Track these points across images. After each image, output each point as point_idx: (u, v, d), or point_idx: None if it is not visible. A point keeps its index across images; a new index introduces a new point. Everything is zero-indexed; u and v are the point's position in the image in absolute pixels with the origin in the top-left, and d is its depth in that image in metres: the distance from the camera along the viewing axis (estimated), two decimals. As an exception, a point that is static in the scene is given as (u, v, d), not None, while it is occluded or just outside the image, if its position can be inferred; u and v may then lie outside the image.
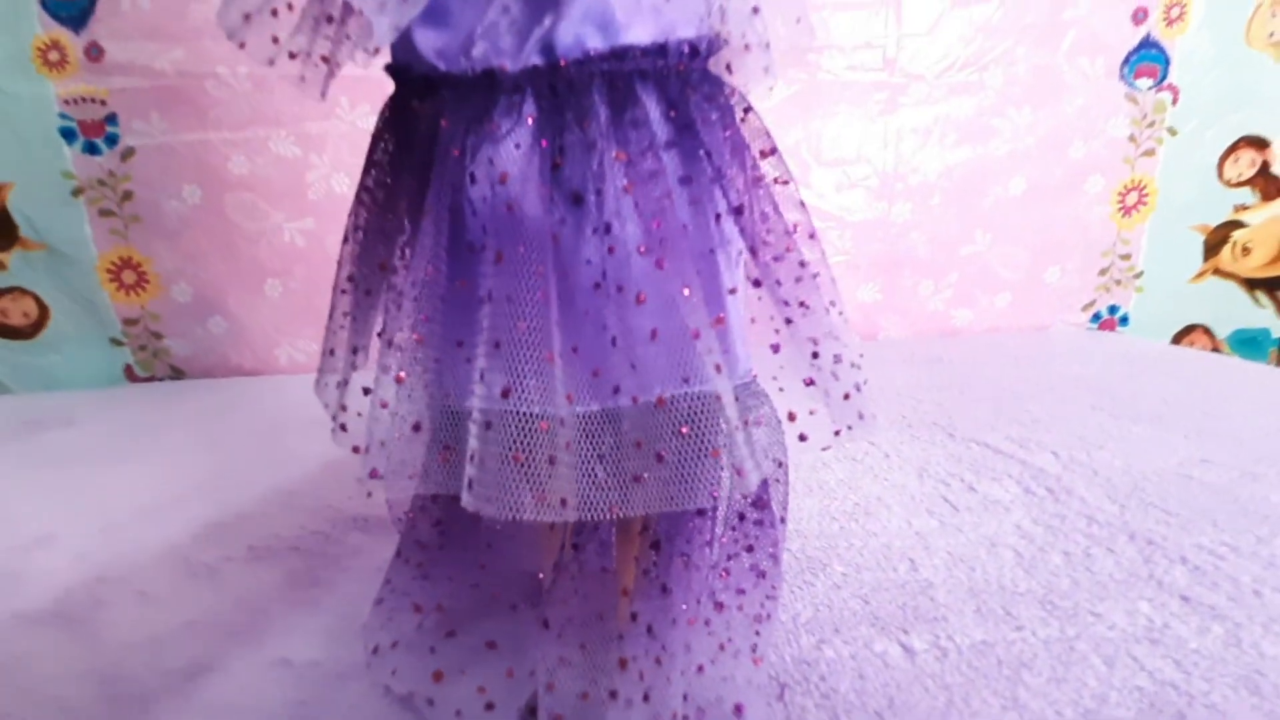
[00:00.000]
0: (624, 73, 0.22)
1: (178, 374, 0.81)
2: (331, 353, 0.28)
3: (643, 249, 0.21)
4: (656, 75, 0.23)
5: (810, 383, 0.25)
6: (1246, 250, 0.84)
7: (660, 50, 0.22)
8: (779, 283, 0.25)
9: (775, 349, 0.26)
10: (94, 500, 0.46)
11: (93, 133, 0.73)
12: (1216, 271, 0.84)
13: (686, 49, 0.23)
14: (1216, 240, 0.83)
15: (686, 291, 0.21)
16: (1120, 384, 0.61)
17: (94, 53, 0.72)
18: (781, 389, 0.26)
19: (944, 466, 0.45)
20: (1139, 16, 0.75)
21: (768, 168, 0.26)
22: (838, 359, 0.26)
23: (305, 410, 0.64)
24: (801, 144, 0.77)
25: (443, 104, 0.22)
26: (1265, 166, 0.81)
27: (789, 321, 0.25)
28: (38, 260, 0.76)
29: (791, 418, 0.25)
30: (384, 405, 0.22)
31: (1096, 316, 0.85)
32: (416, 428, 0.22)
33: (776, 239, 0.25)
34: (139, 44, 0.71)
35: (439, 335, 0.22)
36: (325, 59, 0.27)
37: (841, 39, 0.74)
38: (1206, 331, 0.87)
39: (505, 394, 0.20)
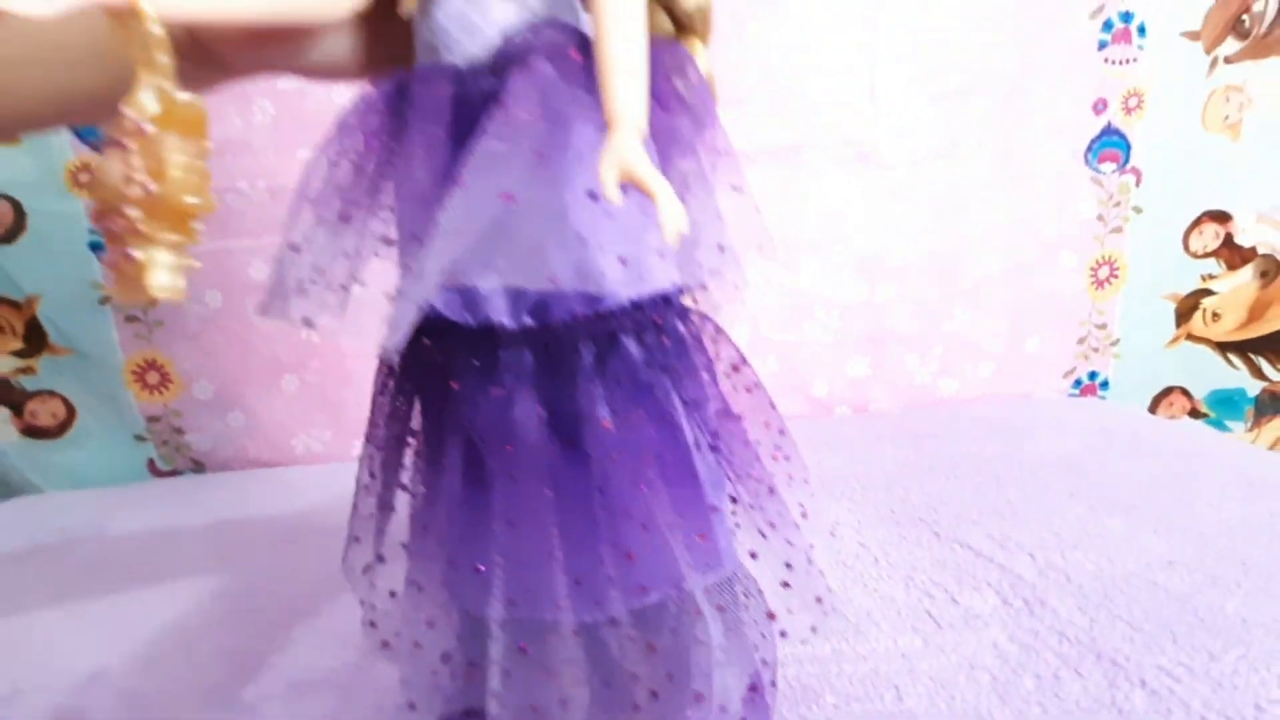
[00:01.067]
0: (608, 330, 0.25)
1: (198, 466, 0.85)
2: (357, 540, 0.30)
3: (629, 512, 0.24)
4: (635, 328, 0.26)
5: (786, 585, 0.29)
6: (1217, 316, 0.88)
7: (638, 306, 0.26)
8: (752, 505, 0.28)
9: (753, 555, 0.29)
10: (134, 627, 0.49)
11: (119, 245, 0.78)
12: (1190, 337, 0.88)
13: (661, 300, 0.26)
14: (1187, 308, 0.88)
15: (669, 540, 0.24)
16: (1097, 465, 0.64)
17: (121, 173, 0.77)
18: (761, 591, 0.29)
19: (929, 574, 0.48)
20: (1099, 107, 0.80)
21: (739, 379, 0.29)
22: (810, 561, 0.29)
23: (320, 505, 0.67)
24: (786, 231, 0.81)
25: (451, 352, 0.25)
26: (1229, 238, 0.85)
27: (763, 535, 0.28)
28: (65, 364, 0.80)
29: (772, 616, 0.29)
30: (418, 645, 0.26)
31: (1078, 383, 0.89)
32: (445, 658, 0.25)
33: (749, 464, 0.28)
34: (163, 163, 0.76)
35: (460, 573, 0.25)
36: (344, 286, 0.29)
37: (820, 133, 0.79)
38: (1185, 393, 0.90)
39: (523, 650, 0.24)
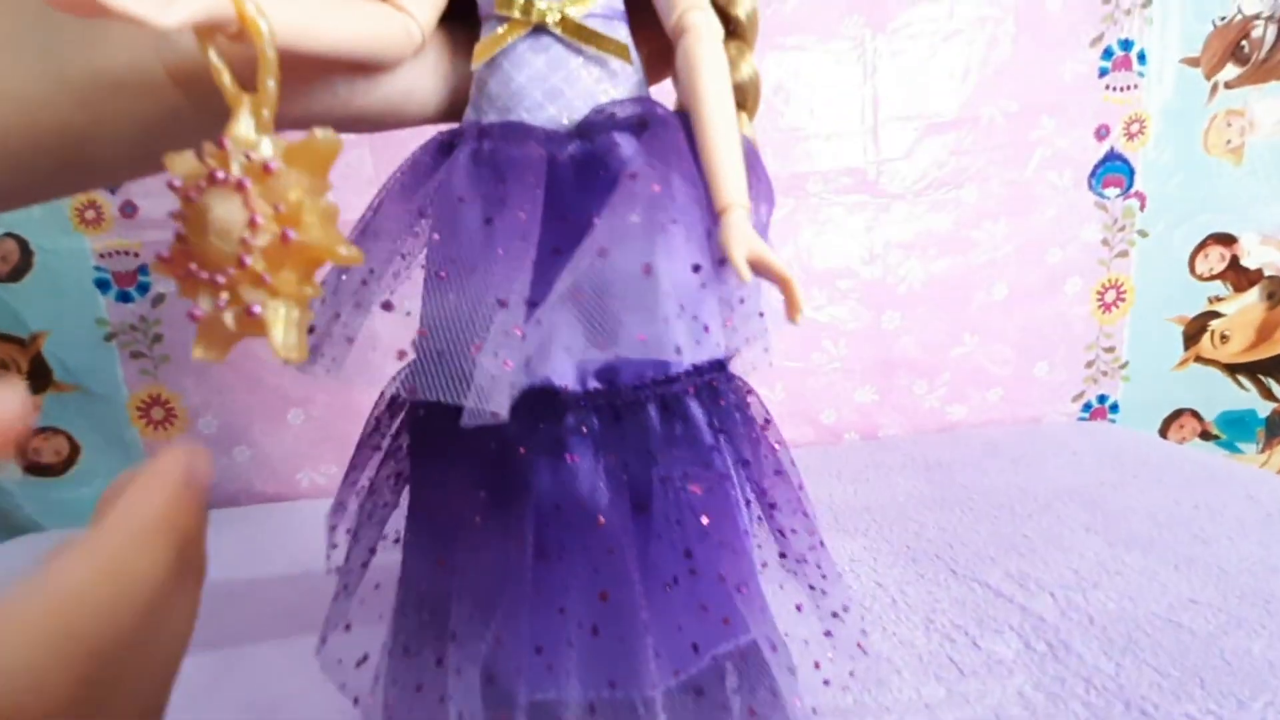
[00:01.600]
0: (673, 393, 0.25)
1: (203, 502, 0.84)
2: (347, 628, 0.28)
3: (723, 575, 0.24)
4: (696, 391, 0.26)
5: (829, 634, 0.28)
6: (1225, 338, 0.87)
7: (698, 370, 0.26)
8: (801, 559, 0.28)
9: (799, 608, 0.29)
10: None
11: (126, 282, 0.78)
12: (1198, 359, 0.88)
13: (716, 364, 0.27)
14: (1195, 330, 0.87)
15: (738, 598, 0.24)
16: (1112, 497, 0.64)
17: (128, 210, 0.77)
18: (807, 641, 0.29)
19: (949, 615, 0.47)
20: (1101, 133, 0.80)
21: (770, 434, 0.29)
22: (845, 609, 0.28)
23: (323, 541, 0.67)
24: (794, 260, 0.81)
25: (514, 419, 0.23)
26: (1234, 260, 0.85)
27: (811, 588, 0.28)
28: (70, 401, 0.80)
29: (817, 665, 0.28)
30: None
31: (1088, 406, 0.88)
32: None
33: (797, 519, 0.28)
34: (171, 199, 0.76)
35: (524, 654, 0.23)
36: (351, 339, 0.27)
37: (825, 165, 0.79)
38: (1195, 415, 0.90)
39: None
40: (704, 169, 0.24)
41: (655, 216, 0.23)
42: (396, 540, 0.29)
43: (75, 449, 0.81)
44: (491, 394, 0.21)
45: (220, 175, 0.18)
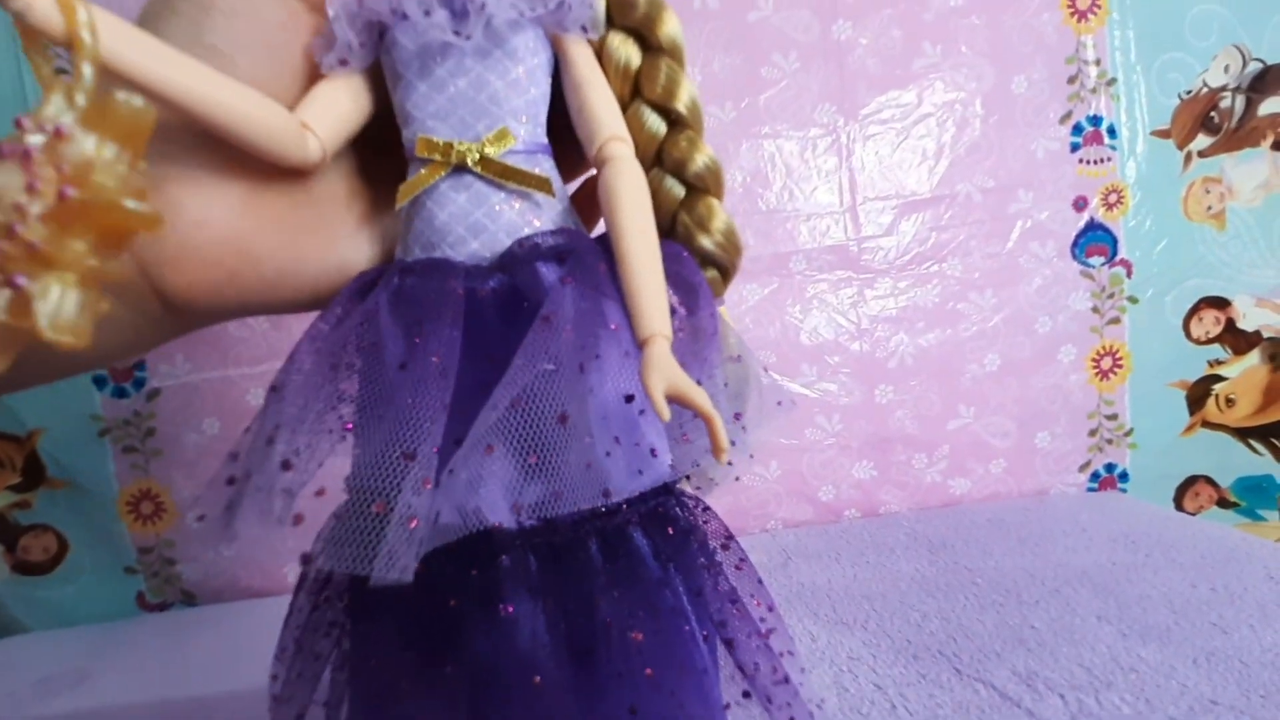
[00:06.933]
0: (615, 525, 0.24)
1: (189, 598, 0.82)
2: None
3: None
4: (640, 520, 0.25)
5: None
6: (1231, 402, 0.85)
7: (641, 496, 0.25)
8: (767, 698, 0.26)
9: None
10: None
11: (122, 378, 0.79)
12: (1205, 424, 0.86)
13: (661, 487, 0.25)
14: (1198, 394, 0.85)
15: None
16: (1125, 580, 0.60)
17: (129, 308, 0.79)
18: None
19: (950, 723, 0.44)
20: (1079, 204, 0.81)
21: (728, 557, 0.28)
22: None
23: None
24: (780, 338, 0.81)
25: (437, 560, 0.22)
26: (1230, 323, 0.84)
27: None
28: (61, 497, 0.80)
29: None
30: None
31: (1095, 476, 0.85)
32: None
33: (758, 653, 0.26)
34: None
35: None
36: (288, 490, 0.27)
37: (807, 244, 0.80)
38: (1210, 482, 0.87)
39: None
40: (626, 300, 0.24)
41: (572, 360, 0.22)
42: (326, 703, 0.27)
43: (64, 546, 0.81)
44: (397, 558, 0.20)
45: (7, 147, 0.16)
